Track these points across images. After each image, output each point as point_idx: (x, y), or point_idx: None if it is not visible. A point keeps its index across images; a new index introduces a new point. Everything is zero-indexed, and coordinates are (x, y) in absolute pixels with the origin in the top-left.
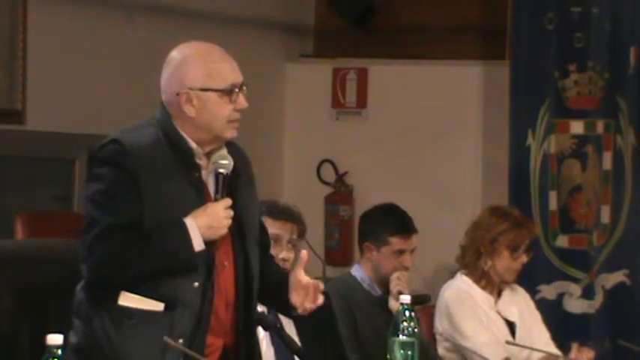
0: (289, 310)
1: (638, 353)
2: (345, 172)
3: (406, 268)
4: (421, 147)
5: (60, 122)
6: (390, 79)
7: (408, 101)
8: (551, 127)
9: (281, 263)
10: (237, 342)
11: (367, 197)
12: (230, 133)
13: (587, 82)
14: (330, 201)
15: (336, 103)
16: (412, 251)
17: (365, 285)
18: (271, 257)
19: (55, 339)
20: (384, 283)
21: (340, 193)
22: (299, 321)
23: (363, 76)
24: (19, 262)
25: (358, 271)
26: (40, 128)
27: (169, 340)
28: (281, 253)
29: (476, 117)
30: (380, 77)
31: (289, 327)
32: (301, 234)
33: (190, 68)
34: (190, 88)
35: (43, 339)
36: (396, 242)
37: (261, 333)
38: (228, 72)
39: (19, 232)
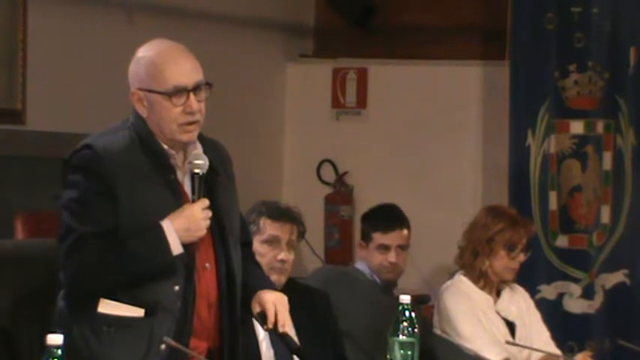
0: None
1: (638, 353)
2: (345, 172)
3: (392, 264)
4: (421, 147)
5: (60, 122)
6: (390, 79)
7: (408, 101)
8: (551, 127)
9: (280, 264)
10: (222, 344)
11: (367, 197)
12: (185, 137)
13: (587, 82)
14: (330, 201)
15: (336, 103)
16: (401, 247)
17: (367, 274)
18: (253, 256)
19: (55, 339)
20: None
21: (340, 193)
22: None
23: (363, 76)
24: (19, 262)
25: (361, 265)
26: (40, 128)
27: (170, 341)
28: (280, 254)
29: (476, 117)
30: (380, 77)
31: (289, 327)
32: (301, 235)
33: (139, 68)
34: (139, 89)
35: (43, 339)
36: (377, 237)
37: (262, 333)
38: (174, 74)
39: (19, 232)
